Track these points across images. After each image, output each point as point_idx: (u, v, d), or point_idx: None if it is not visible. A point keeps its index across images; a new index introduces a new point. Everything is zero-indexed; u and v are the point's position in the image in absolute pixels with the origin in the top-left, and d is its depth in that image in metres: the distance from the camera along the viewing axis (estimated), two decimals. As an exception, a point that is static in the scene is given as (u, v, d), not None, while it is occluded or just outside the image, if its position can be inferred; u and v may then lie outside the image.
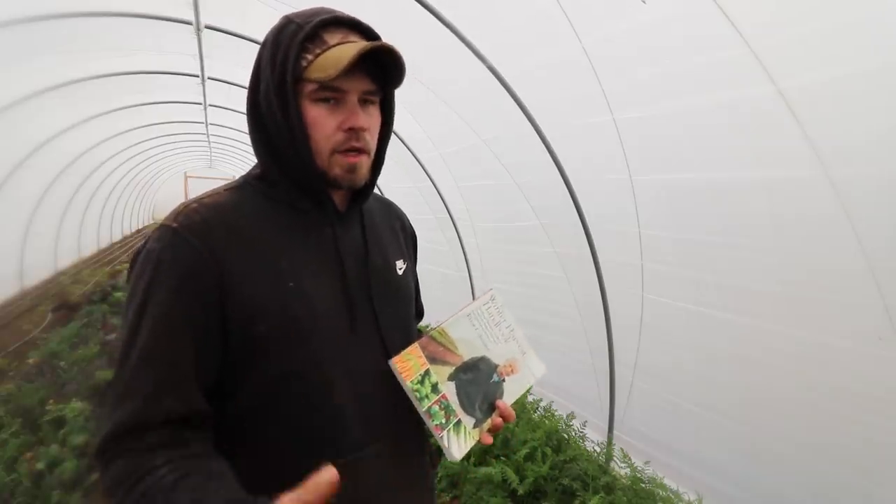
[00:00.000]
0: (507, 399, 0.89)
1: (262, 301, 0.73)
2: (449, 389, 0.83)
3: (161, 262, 0.70)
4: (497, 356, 0.91)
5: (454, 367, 0.85)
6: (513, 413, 0.89)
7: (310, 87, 0.75)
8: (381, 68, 0.77)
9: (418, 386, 0.79)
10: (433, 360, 0.82)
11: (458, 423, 0.81)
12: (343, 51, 0.72)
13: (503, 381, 0.90)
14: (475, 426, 0.83)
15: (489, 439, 0.84)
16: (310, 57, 0.74)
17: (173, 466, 0.64)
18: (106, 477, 0.64)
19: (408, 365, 0.79)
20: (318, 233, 0.82)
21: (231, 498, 0.62)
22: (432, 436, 0.81)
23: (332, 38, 0.75)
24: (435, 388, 0.81)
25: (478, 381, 0.87)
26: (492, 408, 0.86)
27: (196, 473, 0.64)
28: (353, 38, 0.77)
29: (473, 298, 4.55)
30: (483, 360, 0.89)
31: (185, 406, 0.68)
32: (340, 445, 0.75)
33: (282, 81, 0.74)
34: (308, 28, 0.74)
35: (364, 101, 0.78)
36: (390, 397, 0.83)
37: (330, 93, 0.75)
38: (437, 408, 0.80)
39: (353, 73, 0.73)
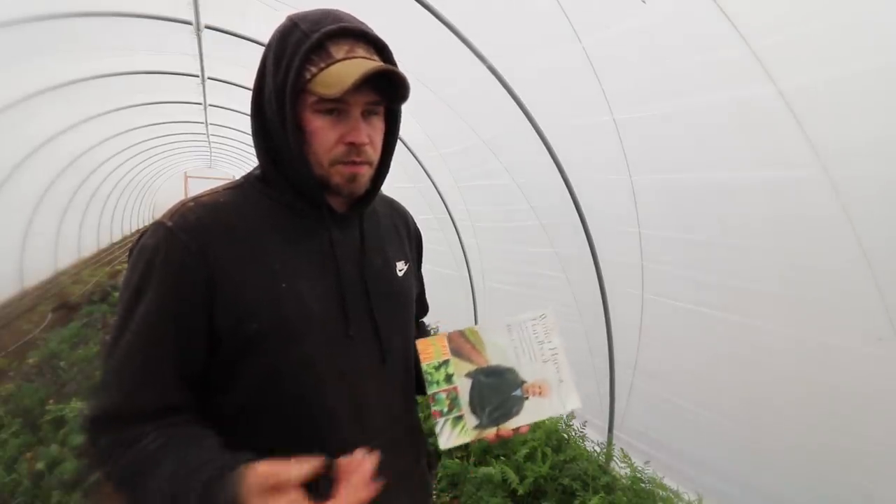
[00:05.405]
0: (525, 418, 0.86)
1: (253, 301, 0.73)
2: (463, 385, 0.85)
3: (152, 259, 0.71)
4: (527, 373, 0.88)
5: (476, 367, 0.86)
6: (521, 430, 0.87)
7: (312, 99, 0.74)
8: (387, 81, 0.75)
9: (432, 371, 0.84)
10: (457, 353, 0.86)
11: (460, 418, 0.83)
12: (348, 69, 0.71)
13: (526, 398, 0.87)
14: (476, 427, 0.83)
15: (491, 437, 0.84)
16: (314, 69, 0.72)
17: (157, 434, 0.69)
18: (95, 450, 0.70)
19: (430, 349, 0.85)
20: (316, 235, 0.82)
21: (209, 458, 0.64)
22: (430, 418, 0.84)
23: (337, 50, 0.73)
24: (449, 378, 0.84)
25: (498, 387, 0.86)
26: (502, 418, 0.85)
27: (178, 438, 0.69)
28: (359, 50, 0.75)
29: (473, 298, 4.52)
30: (510, 370, 0.88)
31: (161, 401, 0.71)
32: (331, 446, 0.74)
33: (282, 90, 0.73)
34: (314, 39, 0.72)
35: (367, 112, 0.77)
36: (385, 399, 0.83)
37: (333, 104, 0.74)
38: (443, 395, 0.83)
39: (356, 89, 0.71)
